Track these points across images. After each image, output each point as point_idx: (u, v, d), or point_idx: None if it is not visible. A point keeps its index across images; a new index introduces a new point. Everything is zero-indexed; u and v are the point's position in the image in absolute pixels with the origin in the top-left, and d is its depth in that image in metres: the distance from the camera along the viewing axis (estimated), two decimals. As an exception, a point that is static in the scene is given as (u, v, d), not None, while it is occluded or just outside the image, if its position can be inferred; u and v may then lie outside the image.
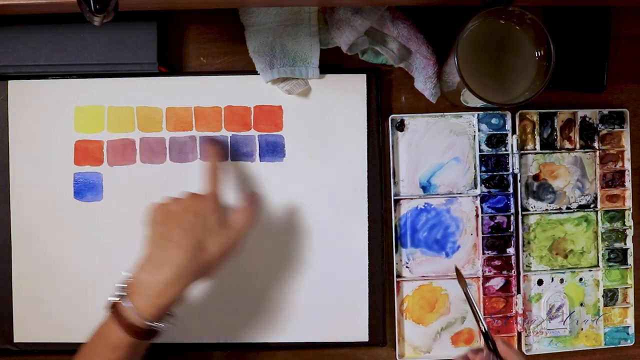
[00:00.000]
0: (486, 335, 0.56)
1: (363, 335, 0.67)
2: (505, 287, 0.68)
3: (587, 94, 0.69)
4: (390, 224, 0.67)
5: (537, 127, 0.68)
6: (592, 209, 0.69)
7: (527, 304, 0.68)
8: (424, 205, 0.68)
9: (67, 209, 0.66)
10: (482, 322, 0.57)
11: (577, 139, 0.68)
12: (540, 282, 0.68)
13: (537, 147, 0.68)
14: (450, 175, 0.68)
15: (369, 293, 0.67)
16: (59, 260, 0.66)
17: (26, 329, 0.66)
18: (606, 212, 0.69)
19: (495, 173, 0.67)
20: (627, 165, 0.69)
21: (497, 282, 0.68)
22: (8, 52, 0.64)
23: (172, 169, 0.66)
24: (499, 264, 0.68)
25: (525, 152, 0.68)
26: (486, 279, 0.67)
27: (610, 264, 0.69)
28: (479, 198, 0.68)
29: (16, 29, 0.64)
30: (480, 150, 0.68)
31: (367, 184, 0.67)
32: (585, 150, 0.69)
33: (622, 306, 0.69)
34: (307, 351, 0.68)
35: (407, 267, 0.68)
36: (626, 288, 0.69)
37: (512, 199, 0.68)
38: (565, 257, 0.69)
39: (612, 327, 0.69)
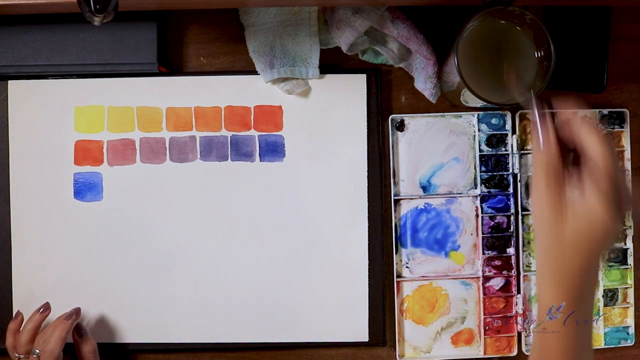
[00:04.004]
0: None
1: (363, 335, 0.67)
2: (506, 287, 0.68)
3: (587, 94, 0.69)
4: (390, 224, 0.67)
5: (537, 127, 0.68)
6: (592, 209, 0.69)
7: (527, 304, 0.68)
8: (424, 205, 0.68)
9: (67, 209, 0.66)
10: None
11: (577, 139, 0.68)
12: (540, 282, 0.68)
13: (537, 147, 0.68)
14: (450, 175, 0.68)
15: (369, 293, 0.67)
16: (59, 260, 0.66)
17: (26, 329, 0.66)
18: (606, 212, 0.69)
19: (495, 173, 0.67)
20: (627, 165, 0.69)
21: (497, 282, 0.68)
22: (8, 52, 0.64)
23: (172, 169, 0.66)
24: (499, 264, 0.68)
25: (525, 152, 0.68)
26: (486, 279, 0.67)
27: (610, 264, 0.69)
28: (479, 198, 0.67)
29: (16, 29, 0.64)
30: (480, 150, 0.68)
31: (367, 184, 0.67)
32: (585, 150, 0.68)
33: (622, 306, 0.69)
34: (307, 351, 0.68)
35: (407, 267, 0.68)
36: (626, 288, 0.69)
37: (512, 199, 0.68)
38: (565, 257, 0.68)
39: (612, 327, 0.69)
